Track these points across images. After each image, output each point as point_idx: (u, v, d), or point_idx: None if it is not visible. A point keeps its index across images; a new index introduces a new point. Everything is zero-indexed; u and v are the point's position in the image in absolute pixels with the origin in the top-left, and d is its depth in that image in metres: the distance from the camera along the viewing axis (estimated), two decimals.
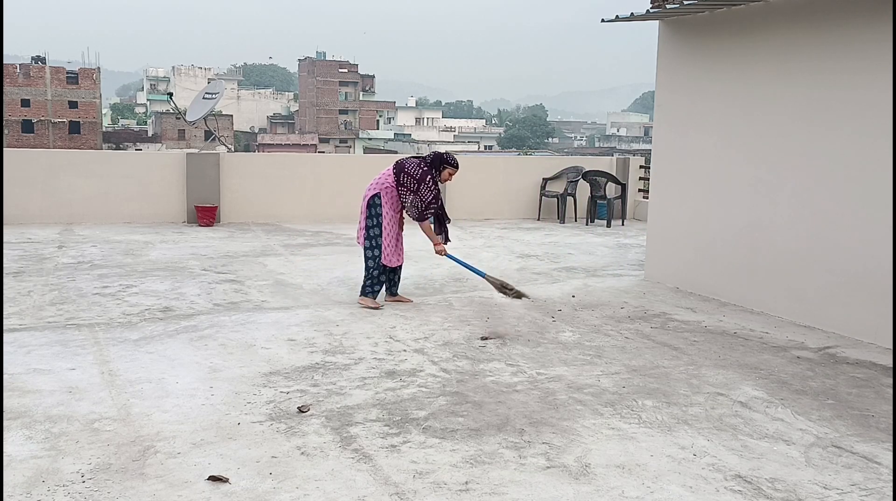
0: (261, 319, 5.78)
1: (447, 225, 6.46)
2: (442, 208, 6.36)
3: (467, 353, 5.05)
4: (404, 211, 6.30)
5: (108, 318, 5.70)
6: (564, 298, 6.74)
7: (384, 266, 6.24)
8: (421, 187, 6.09)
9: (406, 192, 6.13)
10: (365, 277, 6.27)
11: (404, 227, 6.45)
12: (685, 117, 7.29)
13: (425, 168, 6.14)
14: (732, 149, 6.76)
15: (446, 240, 6.42)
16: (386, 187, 6.17)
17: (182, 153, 11.50)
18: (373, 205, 6.18)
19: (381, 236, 6.17)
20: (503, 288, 6.25)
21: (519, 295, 6.23)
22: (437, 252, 6.33)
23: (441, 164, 6.24)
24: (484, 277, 6.35)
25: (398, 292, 6.50)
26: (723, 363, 5.02)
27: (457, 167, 6.31)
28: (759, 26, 6.43)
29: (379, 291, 6.30)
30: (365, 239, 6.23)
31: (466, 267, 6.44)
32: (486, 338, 5.33)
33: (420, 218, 6.18)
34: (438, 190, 6.21)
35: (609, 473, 3.34)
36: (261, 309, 6.09)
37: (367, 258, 6.24)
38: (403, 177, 6.11)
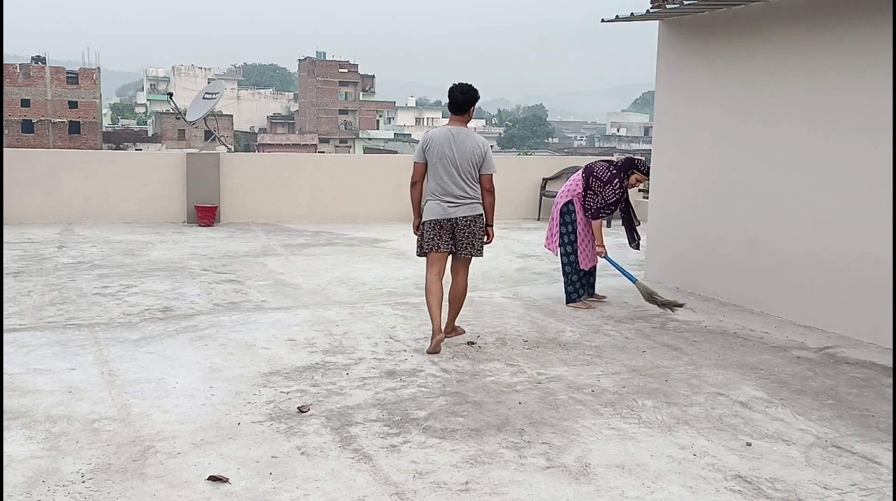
0: (261, 319, 5.78)
1: (637, 229, 6.65)
2: (629, 210, 6.54)
3: (467, 353, 5.05)
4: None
5: (108, 318, 5.70)
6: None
7: (582, 270, 6.39)
8: (606, 188, 6.25)
9: (591, 194, 6.29)
10: (565, 283, 6.45)
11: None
12: (685, 117, 7.29)
13: (614, 171, 6.32)
14: (732, 149, 6.76)
15: (636, 242, 6.66)
16: (577, 195, 6.35)
17: (182, 153, 11.50)
18: (566, 212, 6.37)
19: (576, 241, 6.35)
20: (651, 297, 6.26)
21: (667, 305, 6.16)
22: (597, 253, 6.44)
23: (630, 169, 6.39)
24: (635, 283, 6.42)
25: (595, 291, 6.66)
26: (723, 363, 5.02)
27: (647, 175, 6.52)
28: (759, 26, 6.43)
29: (583, 293, 6.48)
30: (560, 246, 6.40)
31: (621, 271, 6.54)
32: (472, 343, 5.30)
33: (595, 215, 6.31)
34: (624, 194, 6.35)
35: (609, 473, 3.35)
36: (261, 309, 6.09)
37: (563, 264, 6.42)
38: (592, 180, 6.30)
